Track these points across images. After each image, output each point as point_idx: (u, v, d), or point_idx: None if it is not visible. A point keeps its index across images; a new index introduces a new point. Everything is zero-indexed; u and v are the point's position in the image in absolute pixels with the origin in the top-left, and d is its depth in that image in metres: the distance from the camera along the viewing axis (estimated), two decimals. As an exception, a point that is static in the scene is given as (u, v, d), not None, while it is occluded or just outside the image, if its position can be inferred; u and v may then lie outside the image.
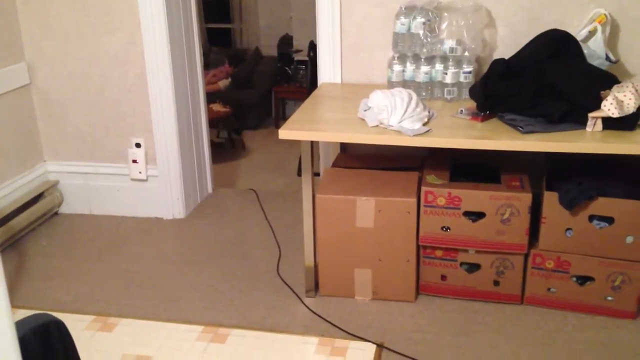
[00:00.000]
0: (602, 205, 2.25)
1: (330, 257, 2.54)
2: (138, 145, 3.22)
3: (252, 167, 4.39)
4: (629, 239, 2.25)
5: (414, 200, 2.40)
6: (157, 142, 3.19)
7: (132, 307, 2.57)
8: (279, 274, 2.79)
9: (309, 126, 2.35)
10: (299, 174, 4.08)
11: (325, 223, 2.49)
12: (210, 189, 3.64)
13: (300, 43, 5.78)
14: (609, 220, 2.26)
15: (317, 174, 2.67)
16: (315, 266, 2.59)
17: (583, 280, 2.38)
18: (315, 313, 2.49)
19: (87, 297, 2.63)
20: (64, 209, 3.43)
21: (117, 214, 3.38)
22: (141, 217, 3.35)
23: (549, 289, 2.43)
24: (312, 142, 2.41)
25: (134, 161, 3.24)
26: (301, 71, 5.65)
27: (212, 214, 3.41)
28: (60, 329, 1.06)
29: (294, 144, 4.57)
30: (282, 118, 5.68)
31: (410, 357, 2.22)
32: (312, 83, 5.37)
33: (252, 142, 4.96)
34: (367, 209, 2.42)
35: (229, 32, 6.52)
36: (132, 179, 3.29)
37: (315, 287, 2.61)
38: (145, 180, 3.28)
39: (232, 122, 4.38)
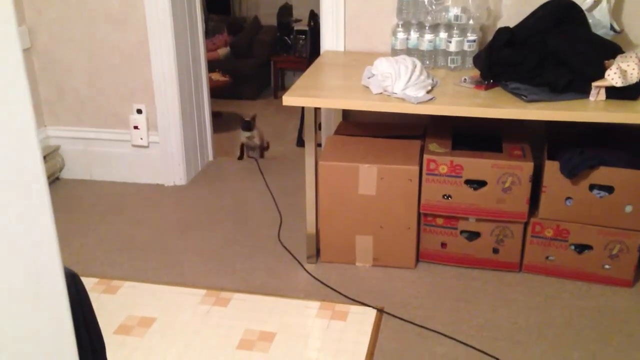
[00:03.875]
0: (602, 174, 2.27)
1: (332, 224, 2.56)
2: (139, 111, 3.21)
3: (252, 136, 4.39)
4: (628, 208, 2.28)
5: (416, 168, 2.41)
6: (159, 109, 3.19)
7: (135, 270, 2.59)
8: (280, 240, 2.82)
9: (312, 93, 2.35)
10: (298, 144, 4.08)
11: (327, 190, 2.51)
12: (211, 157, 3.65)
13: (300, 12, 5.73)
14: (609, 189, 2.28)
15: (319, 145, 2.67)
16: (317, 233, 2.61)
17: (581, 248, 2.41)
18: (316, 279, 2.52)
19: (89, 260, 2.65)
20: (65, 174, 3.43)
21: (118, 180, 3.39)
22: (142, 184, 3.36)
23: (547, 257, 2.46)
24: (315, 109, 2.41)
25: (135, 127, 3.23)
26: (301, 41, 5.61)
27: (213, 181, 3.42)
28: (75, 281, 1.08)
29: (293, 114, 4.60)
30: (280, 88, 5.65)
31: (409, 322, 2.26)
32: (312, 53, 5.35)
33: (251, 112, 4.94)
34: (370, 176, 2.44)
35: (227, 0, 6.44)
36: (134, 145, 3.29)
37: (316, 254, 2.64)
38: (147, 147, 3.28)
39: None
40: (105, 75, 3.19)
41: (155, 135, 3.25)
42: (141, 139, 3.25)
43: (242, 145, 3.78)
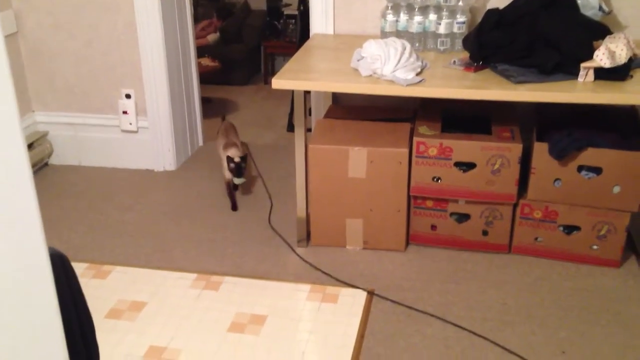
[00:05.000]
0: (591, 155, 2.28)
1: (322, 208, 2.57)
2: (128, 96, 3.19)
3: (241, 123, 4.35)
4: (616, 189, 2.30)
5: (405, 150, 2.42)
6: (148, 93, 3.17)
7: (126, 256, 2.59)
8: (270, 224, 2.82)
9: (302, 76, 2.34)
10: (289, 129, 4.07)
11: (317, 173, 2.51)
12: (201, 142, 3.63)
13: (289, -3, 5.69)
14: (597, 170, 2.30)
15: (309, 130, 2.67)
16: (307, 216, 2.61)
17: (570, 229, 2.43)
18: (307, 262, 2.53)
19: (79, 246, 2.64)
20: (53, 160, 3.41)
21: (108, 165, 3.37)
22: (132, 169, 3.35)
23: (536, 239, 2.48)
24: (304, 93, 2.40)
25: (124, 112, 3.21)
26: (291, 25, 5.58)
27: (204, 166, 3.41)
28: (64, 262, 1.07)
29: (283, 100, 4.58)
30: (271, 74, 5.62)
31: (400, 303, 2.27)
32: (302, 38, 5.32)
33: (241, 98, 4.93)
34: (359, 159, 2.44)
35: (216, -15, 6.39)
36: (123, 130, 3.27)
37: (306, 237, 2.64)
38: (136, 132, 3.26)
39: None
40: (93, 59, 3.17)
41: (145, 121, 3.24)
42: (130, 124, 3.23)
43: (230, 185, 2.95)
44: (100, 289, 2.35)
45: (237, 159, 2.79)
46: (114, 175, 3.30)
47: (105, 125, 3.28)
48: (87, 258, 2.55)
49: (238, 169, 2.80)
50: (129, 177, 3.29)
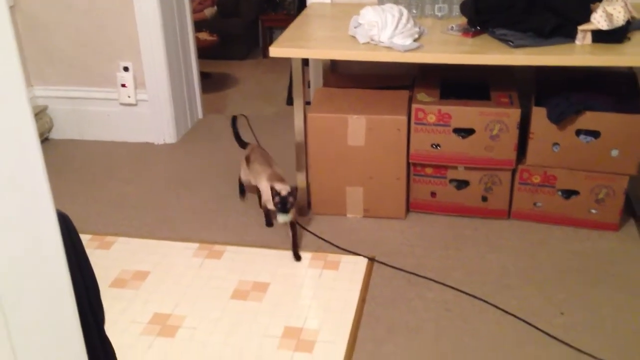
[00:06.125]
0: (589, 119, 2.29)
1: (322, 176, 2.58)
2: (126, 69, 3.19)
3: (241, 97, 4.37)
4: (614, 153, 2.31)
5: (404, 117, 2.42)
6: (146, 66, 3.16)
7: (129, 227, 2.61)
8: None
9: (299, 44, 2.34)
10: (288, 102, 4.07)
11: (316, 142, 2.52)
12: (200, 115, 3.64)
13: (287, -31, 5.64)
14: (595, 134, 2.30)
15: (308, 103, 2.66)
16: (308, 185, 2.63)
17: (568, 194, 2.45)
18: (307, 230, 2.55)
19: (82, 218, 2.66)
20: (54, 135, 3.42)
21: (108, 139, 3.38)
22: (132, 142, 3.36)
23: (535, 204, 2.50)
24: (302, 65, 2.40)
25: (123, 85, 3.22)
26: (288, -2, 5.54)
27: (204, 138, 3.42)
28: (66, 221, 1.09)
29: (283, 74, 4.57)
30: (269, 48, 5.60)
31: (400, 269, 2.30)
32: (300, 11, 5.29)
33: (240, 72, 4.92)
34: (358, 127, 2.45)
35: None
36: (122, 104, 3.28)
37: (307, 206, 2.66)
38: (135, 105, 3.27)
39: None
40: (90, 33, 3.16)
41: (144, 94, 3.24)
42: (129, 97, 3.23)
43: (268, 209, 2.59)
44: (104, 259, 2.38)
45: (283, 192, 2.32)
46: (115, 149, 3.32)
47: (105, 98, 3.28)
48: (90, 230, 2.57)
49: (283, 204, 2.32)
50: (130, 150, 3.30)
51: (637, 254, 2.34)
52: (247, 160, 2.66)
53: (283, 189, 2.33)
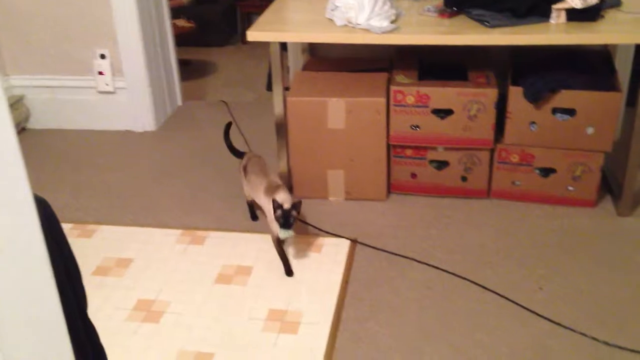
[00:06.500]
0: (564, 97, 2.32)
1: (303, 160, 2.59)
2: (103, 56, 3.16)
3: (221, 83, 4.35)
4: (590, 130, 2.34)
5: (383, 99, 2.43)
6: (123, 53, 3.14)
7: (110, 215, 2.61)
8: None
9: (277, 27, 2.34)
10: (268, 88, 4.06)
11: (297, 126, 2.53)
12: (180, 102, 3.62)
13: (263, -46, 5.60)
14: (571, 112, 2.34)
15: (287, 89, 2.66)
16: (289, 170, 2.64)
17: (546, 172, 2.48)
18: (290, 214, 2.56)
19: (63, 207, 2.65)
20: (31, 124, 3.39)
21: (87, 127, 3.35)
22: (111, 131, 3.34)
23: (513, 182, 2.53)
24: (281, 50, 2.39)
25: (100, 73, 3.19)
26: (266, -17, 5.51)
27: (184, 125, 3.41)
28: (44, 207, 1.09)
29: (262, 60, 4.55)
30: (248, 33, 5.57)
31: (382, 250, 2.32)
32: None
33: (220, 59, 4.89)
34: (338, 110, 2.46)
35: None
36: (99, 92, 3.25)
37: (289, 190, 2.67)
38: (113, 93, 3.24)
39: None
40: (66, 20, 3.12)
41: (122, 81, 3.21)
42: (107, 84, 3.21)
43: (279, 242, 2.27)
44: (86, 248, 2.37)
45: (286, 206, 2.12)
46: (94, 137, 3.29)
47: (82, 87, 3.26)
48: (71, 218, 2.56)
49: (286, 219, 2.12)
50: (109, 138, 3.28)
51: (613, 229, 2.39)
52: (245, 171, 2.42)
53: (286, 202, 2.12)
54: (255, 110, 3.60)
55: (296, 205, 2.14)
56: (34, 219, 0.85)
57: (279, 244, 2.24)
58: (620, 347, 1.85)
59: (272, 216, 2.15)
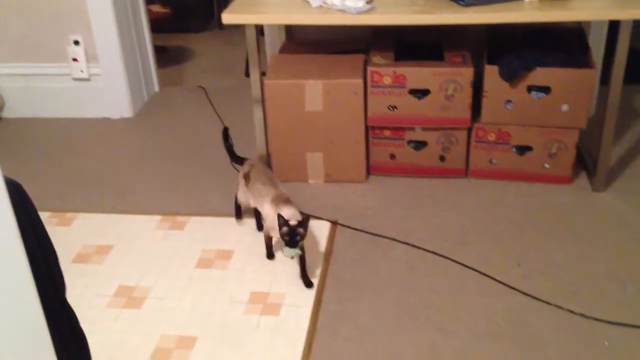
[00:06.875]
0: (539, 75, 2.34)
1: (282, 143, 2.59)
2: (77, 42, 3.12)
3: (198, 69, 4.31)
4: (564, 107, 2.37)
5: (360, 81, 2.44)
6: (97, 39, 3.10)
7: (89, 203, 2.59)
8: (232, 164, 2.83)
9: (252, 9, 2.32)
10: (247, 74, 4.04)
11: (274, 109, 2.52)
12: (156, 88, 3.59)
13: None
14: (546, 90, 2.36)
15: (264, 74, 2.64)
16: (268, 153, 2.63)
17: (522, 150, 2.51)
18: (270, 197, 2.56)
19: (40, 196, 2.59)
20: (6, 113, 3.34)
21: (63, 115, 3.31)
22: (88, 118, 3.30)
23: (491, 161, 2.55)
24: (257, 34, 2.38)
25: (75, 59, 3.15)
26: (242, -32, 5.45)
27: (161, 111, 3.38)
28: (18, 190, 1.08)
29: (240, 46, 4.51)
30: (225, 18, 5.51)
31: (363, 231, 2.34)
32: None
33: (197, 45, 4.84)
34: (315, 92, 2.46)
35: None
36: (74, 79, 3.21)
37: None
38: (89, 80, 3.20)
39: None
40: (38, 6, 3.07)
41: (97, 68, 3.17)
42: (81, 71, 3.17)
43: (271, 241, 2.22)
44: (64, 236, 2.35)
45: (293, 222, 1.98)
46: (71, 125, 3.26)
47: (57, 74, 3.21)
48: (49, 207, 2.53)
49: (292, 237, 1.97)
50: (86, 126, 3.25)
51: (588, 205, 2.43)
52: (246, 178, 2.29)
53: (292, 218, 1.98)
54: (234, 96, 3.58)
55: (303, 222, 1.98)
56: (5, 201, 0.84)
57: (269, 240, 2.21)
58: (596, 319, 1.89)
59: (273, 224, 2.04)
